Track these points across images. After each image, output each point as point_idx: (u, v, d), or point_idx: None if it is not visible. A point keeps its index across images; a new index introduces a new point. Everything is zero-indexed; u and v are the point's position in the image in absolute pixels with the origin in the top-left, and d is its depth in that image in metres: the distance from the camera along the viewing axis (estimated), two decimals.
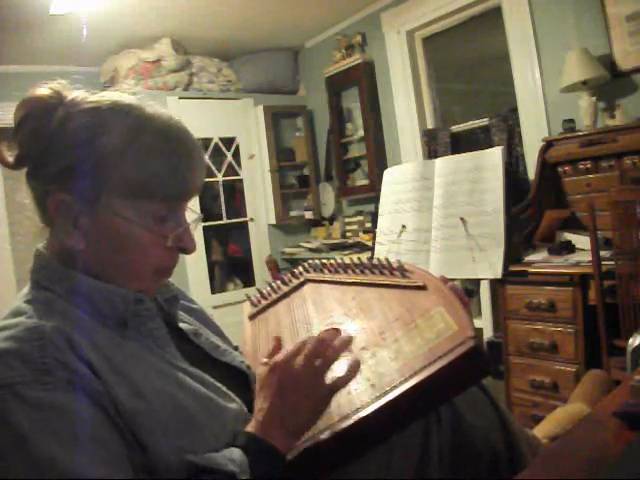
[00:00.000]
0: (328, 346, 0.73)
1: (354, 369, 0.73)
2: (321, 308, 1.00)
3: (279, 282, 1.16)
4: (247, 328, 1.10)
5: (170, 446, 0.64)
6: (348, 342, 0.76)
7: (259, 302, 1.15)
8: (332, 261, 1.11)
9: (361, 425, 0.70)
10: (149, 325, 0.74)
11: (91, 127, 0.68)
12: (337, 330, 0.77)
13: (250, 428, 0.71)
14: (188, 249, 0.76)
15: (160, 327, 0.75)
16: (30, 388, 0.58)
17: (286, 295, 1.12)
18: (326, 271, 1.11)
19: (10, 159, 0.72)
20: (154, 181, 0.69)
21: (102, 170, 0.68)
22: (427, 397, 0.72)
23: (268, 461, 0.67)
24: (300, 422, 0.70)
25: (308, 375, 0.71)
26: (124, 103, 0.71)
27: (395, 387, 0.71)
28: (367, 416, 0.70)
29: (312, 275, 1.12)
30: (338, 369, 0.74)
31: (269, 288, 1.16)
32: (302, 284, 1.12)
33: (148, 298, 0.74)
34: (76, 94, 0.72)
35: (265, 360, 0.77)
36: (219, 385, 0.75)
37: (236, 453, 0.66)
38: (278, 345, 0.84)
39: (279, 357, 0.73)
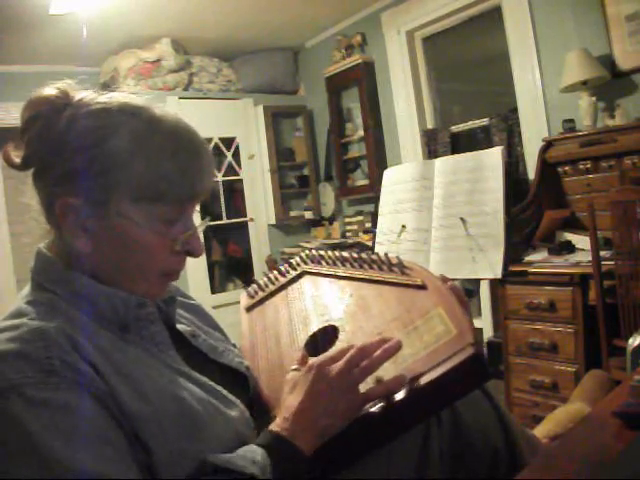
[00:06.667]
0: (369, 355, 0.72)
1: (393, 384, 0.70)
2: (319, 304, 0.98)
3: (276, 273, 1.13)
4: (244, 321, 1.07)
5: (173, 448, 0.63)
6: (391, 353, 0.72)
7: (256, 293, 1.12)
8: (330, 253, 1.09)
9: (358, 429, 0.70)
10: (151, 329, 0.73)
11: (100, 129, 0.67)
12: (384, 339, 0.74)
13: (276, 427, 0.69)
14: (196, 253, 0.75)
15: (161, 331, 0.75)
16: (36, 389, 0.58)
17: (283, 287, 1.09)
18: (324, 263, 1.08)
19: (17, 160, 0.70)
20: (164, 183, 0.68)
21: (111, 173, 0.66)
22: (425, 404, 0.71)
23: (291, 463, 0.66)
24: (328, 426, 0.69)
25: (343, 381, 0.70)
26: (133, 104, 0.70)
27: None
28: (364, 420, 0.69)
29: (310, 267, 1.10)
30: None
31: (266, 279, 1.13)
32: (299, 276, 1.09)
33: (150, 302, 0.74)
34: (84, 94, 0.71)
35: (295, 367, 0.77)
36: (219, 388, 0.75)
37: (259, 454, 0.65)
38: (305, 354, 0.82)
39: (318, 359, 0.72)
